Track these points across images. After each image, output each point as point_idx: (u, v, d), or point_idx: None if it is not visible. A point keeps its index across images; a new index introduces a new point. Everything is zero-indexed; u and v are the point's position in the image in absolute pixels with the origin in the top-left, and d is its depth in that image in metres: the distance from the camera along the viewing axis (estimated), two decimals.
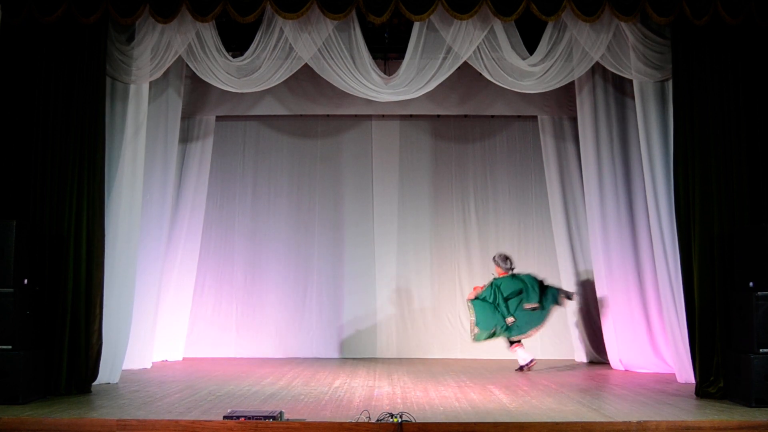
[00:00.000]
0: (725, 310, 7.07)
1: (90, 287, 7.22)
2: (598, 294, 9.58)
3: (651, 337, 9.08)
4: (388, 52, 9.45)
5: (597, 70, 8.96)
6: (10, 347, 6.61)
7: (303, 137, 10.93)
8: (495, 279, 9.29)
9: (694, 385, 7.22)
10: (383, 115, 10.77)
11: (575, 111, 9.70)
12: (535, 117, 10.53)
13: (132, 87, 7.87)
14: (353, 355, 10.44)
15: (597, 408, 6.48)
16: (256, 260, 10.75)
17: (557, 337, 10.48)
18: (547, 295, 9.19)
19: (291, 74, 7.94)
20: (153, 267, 9.21)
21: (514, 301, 9.10)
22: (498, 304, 9.10)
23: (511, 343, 9.29)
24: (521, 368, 9.14)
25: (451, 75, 8.01)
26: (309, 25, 7.59)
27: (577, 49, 7.80)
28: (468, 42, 7.66)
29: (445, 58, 7.82)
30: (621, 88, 9.15)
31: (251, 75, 7.88)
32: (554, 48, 7.77)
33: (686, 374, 7.75)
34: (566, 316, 10.29)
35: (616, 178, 9.30)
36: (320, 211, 10.87)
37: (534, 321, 9.13)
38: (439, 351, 10.55)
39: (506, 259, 9.39)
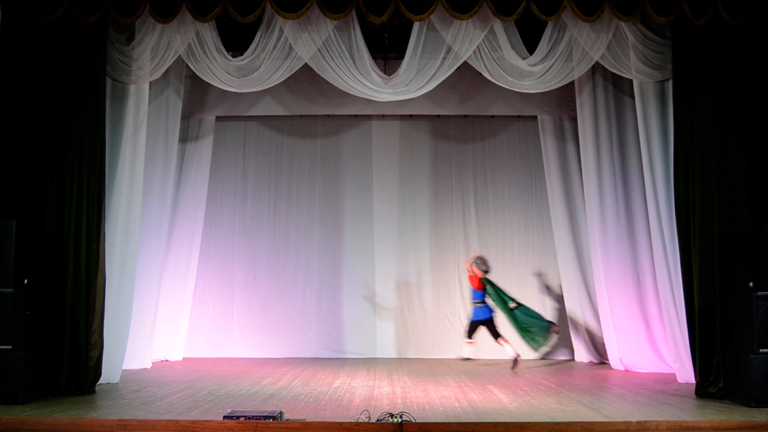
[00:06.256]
0: (725, 310, 7.07)
1: (90, 287, 7.22)
2: (598, 294, 9.57)
3: (651, 337, 9.08)
4: (388, 52, 9.46)
5: (597, 70, 8.96)
6: (10, 347, 6.62)
7: (303, 137, 10.93)
8: (485, 277, 9.56)
9: (694, 385, 7.22)
10: (383, 115, 10.76)
11: (575, 111, 9.70)
12: (535, 117, 10.52)
13: (132, 87, 7.87)
14: (353, 355, 10.44)
15: (597, 408, 6.48)
16: (256, 260, 10.74)
17: (557, 337, 10.48)
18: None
19: (291, 74, 7.94)
20: (153, 267, 9.22)
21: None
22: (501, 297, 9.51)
23: (498, 336, 9.48)
24: (515, 362, 9.20)
25: (451, 75, 8.02)
26: (309, 25, 7.59)
27: (577, 49, 7.79)
28: (468, 42, 7.66)
29: (445, 58, 7.82)
30: (621, 88, 9.15)
31: (251, 75, 7.87)
32: (554, 48, 7.77)
33: (686, 374, 7.75)
34: (566, 316, 10.29)
35: (616, 178, 9.31)
36: (320, 211, 10.86)
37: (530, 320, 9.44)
38: (439, 351, 10.54)
39: (485, 261, 9.63)
